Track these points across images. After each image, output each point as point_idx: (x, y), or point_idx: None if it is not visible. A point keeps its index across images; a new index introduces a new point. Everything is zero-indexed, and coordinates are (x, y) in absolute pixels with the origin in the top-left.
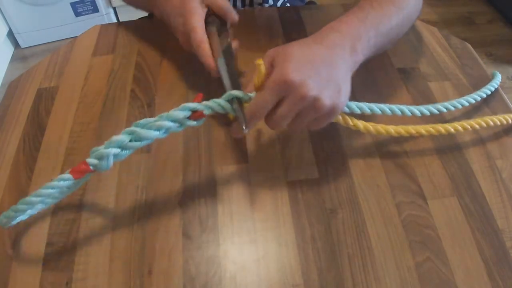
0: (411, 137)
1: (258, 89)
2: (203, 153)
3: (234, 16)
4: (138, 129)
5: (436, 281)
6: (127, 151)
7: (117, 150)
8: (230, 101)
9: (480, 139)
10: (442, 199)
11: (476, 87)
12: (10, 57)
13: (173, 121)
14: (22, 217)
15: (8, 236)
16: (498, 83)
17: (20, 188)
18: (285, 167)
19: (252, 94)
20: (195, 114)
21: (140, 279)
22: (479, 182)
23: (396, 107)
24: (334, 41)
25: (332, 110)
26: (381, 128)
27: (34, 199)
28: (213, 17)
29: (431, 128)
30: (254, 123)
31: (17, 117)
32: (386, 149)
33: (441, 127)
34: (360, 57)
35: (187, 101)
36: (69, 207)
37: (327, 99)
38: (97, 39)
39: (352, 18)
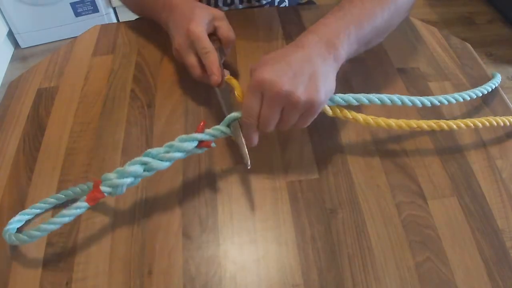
0: (411, 137)
1: (239, 96)
2: (203, 153)
3: (229, 50)
4: (150, 160)
5: (436, 281)
6: (139, 179)
7: (131, 180)
8: (230, 124)
9: (480, 139)
10: (442, 199)
11: (476, 87)
12: (10, 57)
13: (185, 151)
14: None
15: None
16: (498, 82)
17: (20, 188)
18: (285, 167)
19: None
20: (201, 144)
21: (140, 279)
22: (479, 182)
23: (396, 97)
24: (309, 41)
25: (311, 105)
26: (382, 121)
27: (47, 226)
28: (215, 38)
29: (433, 124)
30: (251, 134)
31: (17, 117)
32: (386, 149)
33: (444, 123)
34: (340, 52)
35: (187, 102)
36: None
37: (302, 94)
38: (97, 39)
39: (330, 18)
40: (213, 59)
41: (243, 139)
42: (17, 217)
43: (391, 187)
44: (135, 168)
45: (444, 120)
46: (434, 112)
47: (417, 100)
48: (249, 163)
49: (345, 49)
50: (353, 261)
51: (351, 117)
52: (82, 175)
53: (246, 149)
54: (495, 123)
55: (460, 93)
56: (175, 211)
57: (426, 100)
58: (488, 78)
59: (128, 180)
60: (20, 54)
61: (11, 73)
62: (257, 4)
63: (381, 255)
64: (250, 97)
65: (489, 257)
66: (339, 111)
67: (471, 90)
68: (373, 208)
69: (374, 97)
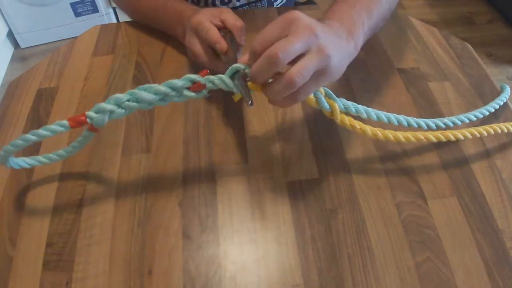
0: None
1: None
2: (203, 153)
3: (242, 37)
4: (137, 91)
5: (436, 281)
6: (123, 110)
7: (113, 107)
8: (233, 77)
9: (480, 140)
10: (442, 199)
11: (476, 87)
12: (10, 57)
13: (172, 88)
14: (22, 162)
15: (8, 236)
16: (507, 97)
17: (20, 188)
18: (285, 167)
19: None
20: (194, 86)
21: (140, 279)
22: (479, 182)
23: (403, 118)
24: (333, 26)
25: (327, 65)
26: (390, 134)
27: (30, 136)
28: (226, 31)
29: (440, 135)
30: (270, 71)
31: (17, 117)
32: (386, 149)
33: (450, 133)
34: (357, 38)
35: (187, 102)
36: (69, 207)
37: (330, 50)
38: (97, 39)
39: (342, 6)
40: (213, 33)
41: (247, 87)
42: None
43: (391, 187)
44: (120, 96)
45: (451, 131)
46: (433, 111)
47: (423, 123)
48: (250, 102)
49: (361, 38)
50: (353, 261)
51: (358, 127)
52: (82, 175)
53: (249, 92)
54: (499, 131)
55: (467, 114)
56: (175, 211)
57: (432, 124)
58: (488, 79)
59: (110, 106)
60: (20, 54)
61: (11, 73)
62: (258, 4)
63: (381, 255)
64: (273, 25)
65: (489, 257)
66: (347, 121)
67: (479, 109)
68: (373, 208)
69: (383, 114)
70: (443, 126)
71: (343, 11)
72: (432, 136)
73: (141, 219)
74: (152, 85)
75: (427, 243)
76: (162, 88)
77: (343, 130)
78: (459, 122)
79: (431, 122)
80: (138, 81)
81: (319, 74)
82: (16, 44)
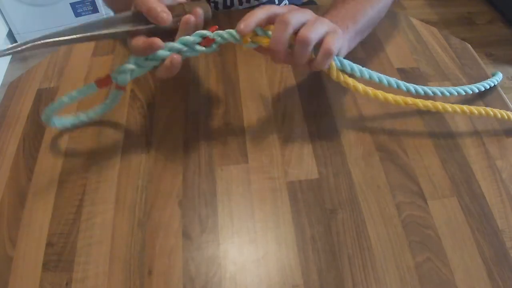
0: (411, 137)
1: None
2: (203, 153)
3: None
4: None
5: (436, 281)
6: (143, 68)
7: (133, 66)
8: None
9: (480, 139)
10: (442, 199)
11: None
12: (10, 57)
13: (184, 44)
14: (62, 121)
15: (8, 237)
16: (498, 80)
17: (20, 188)
18: (285, 167)
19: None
20: (205, 40)
21: (140, 280)
22: (479, 182)
23: (393, 80)
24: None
25: (336, 37)
26: (379, 93)
27: (64, 98)
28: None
29: (429, 104)
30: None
31: (17, 117)
32: (386, 149)
33: (439, 105)
34: (346, 33)
35: (187, 102)
36: (69, 207)
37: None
38: None
39: (340, 10)
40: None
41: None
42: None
43: (391, 187)
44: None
45: (440, 102)
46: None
47: (412, 87)
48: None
49: (346, 34)
50: (353, 261)
51: (352, 84)
52: (82, 175)
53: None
54: (491, 114)
55: (456, 88)
56: (175, 211)
57: (421, 90)
58: (488, 78)
59: (130, 66)
60: (20, 54)
61: (11, 73)
62: (257, 3)
63: (381, 255)
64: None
65: (489, 257)
66: (342, 77)
67: (468, 85)
68: (373, 208)
69: (375, 74)
70: (431, 93)
71: (342, 11)
72: (420, 103)
73: (141, 219)
74: (167, 43)
75: (427, 243)
76: (176, 45)
77: (343, 130)
78: (448, 93)
79: (419, 88)
80: (138, 80)
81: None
82: None
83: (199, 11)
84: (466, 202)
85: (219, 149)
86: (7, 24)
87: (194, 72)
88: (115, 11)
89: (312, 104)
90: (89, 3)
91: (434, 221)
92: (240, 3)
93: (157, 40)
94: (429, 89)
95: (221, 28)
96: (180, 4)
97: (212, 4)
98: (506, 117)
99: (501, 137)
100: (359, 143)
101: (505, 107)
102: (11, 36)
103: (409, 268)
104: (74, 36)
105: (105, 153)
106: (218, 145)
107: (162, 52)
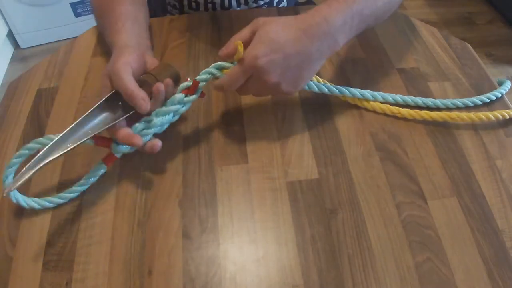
0: (411, 137)
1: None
2: (203, 153)
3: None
4: (150, 118)
5: (436, 281)
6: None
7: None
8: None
9: (480, 140)
10: (442, 199)
11: (476, 87)
12: (10, 57)
13: (175, 103)
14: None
15: (8, 236)
16: (506, 90)
17: (20, 188)
18: (285, 167)
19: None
20: (190, 89)
21: (140, 280)
22: (479, 182)
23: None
24: (318, 33)
25: (288, 94)
26: (378, 106)
27: (68, 194)
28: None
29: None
30: (229, 90)
31: (17, 117)
32: (386, 149)
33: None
34: (338, 47)
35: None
36: (69, 207)
37: (286, 87)
38: (97, 39)
39: (340, 2)
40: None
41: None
42: (8, 169)
43: (391, 187)
44: (137, 125)
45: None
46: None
47: (410, 100)
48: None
49: (345, 41)
50: (353, 261)
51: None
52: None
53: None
54: (493, 118)
55: (465, 99)
56: (175, 211)
57: (421, 102)
58: (488, 79)
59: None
60: (20, 54)
61: (11, 73)
62: (255, 5)
63: (381, 255)
64: (241, 73)
65: (489, 257)
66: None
67: (478, 97)
68: (373, 208)
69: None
70: (442, 106)
71: (340, 10)
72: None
73: (141, 219)
74: (159, 110)
75: (427, 243)
76: (168, 108)
77: (344, 130)
78: (452, 105)
79: (429, 100)
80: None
81: (269, 91)
82: (16, 44)
83: (169, 81)
84: (466, 202)
85: (219, 149)
86: (7, 24)
87: (194, 72)
88: (99, 26)
89: (312, 104)
90: (89, 3)
91: (434, 221)
92: (238, 5)
93: (137, 139)
94: (441, 101)
95: (221, 28)
96: (149, 74)
97: (210, 5)
98: (508, 116)
99: (501, 137)
100: (359, 143)
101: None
102: (11, 36)
103: (409, 268)
104: (66, 150)
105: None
106: (218, 145)
107: (160, 118)
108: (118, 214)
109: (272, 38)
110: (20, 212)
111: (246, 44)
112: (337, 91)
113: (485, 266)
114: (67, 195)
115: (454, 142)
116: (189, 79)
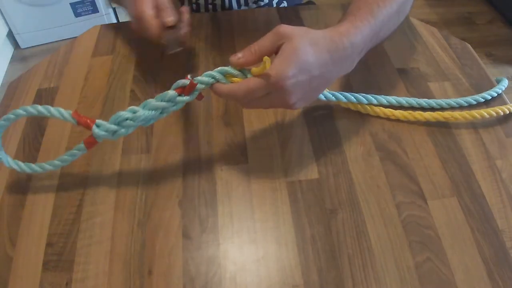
0: (411, 137)
1: (253, 73)
2: (203, 153)
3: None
4: (136, 109)
5: (436, 281)
6: (124, 129)
7: (116, 127)
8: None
9: (480, 140)
10: (442, 199)
11: (476, 87)
12: (10, 57)
13: (166, 100)
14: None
15: (8, 236)
16: (504, 87)
17: (20, 188)
18: (285, 167)
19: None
20: (185, 89)
21: (140, 280)
22: (479, 182)
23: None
24: (343, 57)
25: (295, 109)
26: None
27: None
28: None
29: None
30: (230, 100)
31: None
32: (386, 149)
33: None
34: (351, 69)
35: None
36: (69, 207)
37: (299, 105)
38: (97, 39)
39: (365, 24)
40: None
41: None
42: None
43: (391, 187)
44: (122, 113)
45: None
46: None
47: (415, 102)
48: None
49: (360, 59)
50: (353, 261)
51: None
52: (82, 175)
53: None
54: (494, 114)
55: (464, 98)
56: (175, 211)
57: (425, 103)
58: (488, 79)
59: (113, 126)
60: (20, 54)
61: (11, 73)
62: (254, 6)
63: (381, 255)
64: (262, 89)
65: (489, 257)
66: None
67: (476, 95)
68: (373, 208)
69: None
70: (445, 105)
71: (364, 31)
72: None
73: (141, 219)
74: (148, 101)
75: (427, 243)
76: (159, 103)
77: (344, 130)
78: (455, 104)
79: (433, 101)
80: (138, 81)
81: (281, 106)
82: (16, 44)
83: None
84: (466, 202)
85: (219, 149)
86: (7, 24)
87: (194, 72)
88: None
89: (312, 104)
90: (89, 3)
91: (434, 221)
92: (239, 6)
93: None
94: (435, 101)
95: (222, 29)
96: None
97: (210, 6)
98: (508, 111)
99: (501, 137)
100: (359, 143)
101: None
102: (11, 36)
103: (409, 268)
104: None
105: (105, 154)
106: (218, 145)
107: (143, 112)
108: (118, 214)
109: (301, 58)
110: (20, 212)
111: (266, 53)
112: (344, 98)
113: (485, 266)
114: (46, 165)
115: (454, 142)
116: (189, 77)
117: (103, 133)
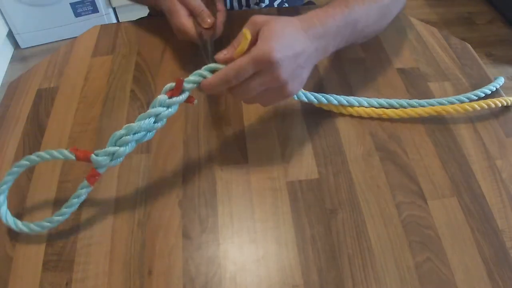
0: (411, 137)
1: (238, 55)
2: (203, 153)
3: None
4: (131, 125)
5: (436, 281)
6: (125, 148)
7: (115, 148)
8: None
9: (480, 140)
10: (442, 199)
11: (476, 87)
12: (10, 57)
13: (160, 106)
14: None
15: (8, 236)
16: (500, 84)
17: (20, 188)
18: (285, 167)
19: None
20: (174, 90)
21: (140, 280)
22: (479, 182)
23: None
24: (316, 35)
25: (291, 95)
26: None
27: (58, 218)
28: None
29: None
30: (223, 88)
31: (17, 117)
32: (386, 149)
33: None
34: (328, 53)
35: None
36: None
37: (292, 87)
38: (97, 39)
39: (337, 12)
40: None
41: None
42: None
43: (391, 187)
44: (119, 133)
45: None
46: None
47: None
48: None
49: (334, 49)
50: (353, 261)
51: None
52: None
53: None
54: (493, 105)
55: (460, 96)
56: (175, 211)
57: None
58: (488, 79)
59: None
60: (20, 54)
61: (11, 73)
62: (256, 7)
63: (381, 255)
64: (251, 65)
65: (489, 257)
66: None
67: (472, 92)
68: (373, 208)
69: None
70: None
71: (336, 18)
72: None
73: (141, 220)
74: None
75: (427, 243)
76: (149, 110)
77: (344, 130)
78: (447, 103)
79: (434, 101)
80: (138, 81)
81: (274, 90)
82: (16, 44)
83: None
84: (466, 202)
85: (219, 149)
86: (7, 24)
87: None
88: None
89: (312, 104)
90: (89, 3)
91: (434, 221)
92: (240, 7)
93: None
94: (435, 100)
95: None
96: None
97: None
98: (499, 103)
99: (501, 137)
100: (359, 143)
101: (506, 109)
102: (11, 36)
103: (409, 268)
104: None
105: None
106: (218, 145)
107: (142, 123)
108: (118, 214)
109: (280, 35)
110: (20, 212)
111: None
112: (324, 99)
113: (485, 266)
114: (58, 218)
115: (454, 142)
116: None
117: (101, 158)
